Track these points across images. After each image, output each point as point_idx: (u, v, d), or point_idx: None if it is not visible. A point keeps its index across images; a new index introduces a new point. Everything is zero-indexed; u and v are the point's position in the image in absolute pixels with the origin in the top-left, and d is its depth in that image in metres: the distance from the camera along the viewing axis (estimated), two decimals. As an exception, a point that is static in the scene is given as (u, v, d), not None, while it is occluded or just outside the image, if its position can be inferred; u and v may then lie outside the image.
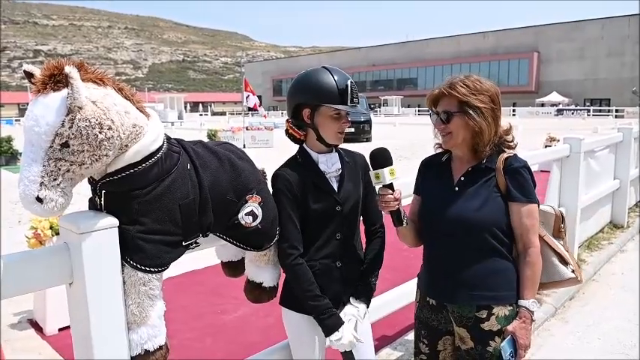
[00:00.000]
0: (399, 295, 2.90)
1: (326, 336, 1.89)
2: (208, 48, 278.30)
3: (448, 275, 1.94)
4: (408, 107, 65.18)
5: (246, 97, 22.50)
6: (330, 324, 1.88)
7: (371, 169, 1.86)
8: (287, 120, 1.99)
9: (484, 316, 1.88)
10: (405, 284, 2.95)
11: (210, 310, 4.08)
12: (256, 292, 2.02)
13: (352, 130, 20.73)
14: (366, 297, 2.02)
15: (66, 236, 1.48)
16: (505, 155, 1.90)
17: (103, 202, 1.49)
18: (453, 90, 1.85)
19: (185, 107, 55.24)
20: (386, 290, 2.85)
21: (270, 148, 19.66)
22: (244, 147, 20.65)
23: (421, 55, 73.93)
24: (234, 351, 3.38)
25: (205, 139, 1.87)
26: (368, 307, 2.04)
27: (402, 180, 2.22)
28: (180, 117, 45.38)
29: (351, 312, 1.95)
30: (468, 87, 1.84)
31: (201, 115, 65.89)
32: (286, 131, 2.00)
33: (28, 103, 1.40)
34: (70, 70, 1.26)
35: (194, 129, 31.83)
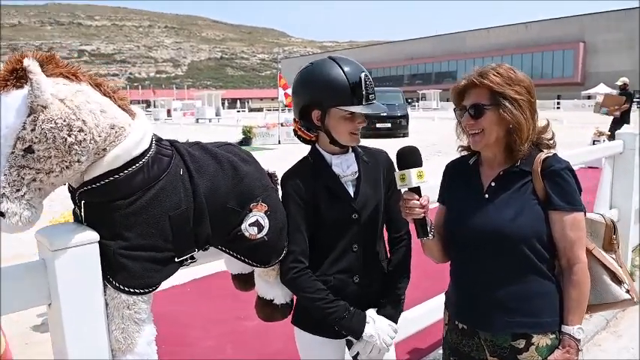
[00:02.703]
0: (425, 312, 2.62)
1: (357, 338, 1.67)
2: (246, 45, 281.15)
3: (479, 297, 1.68)
4: (447, 101, 63.19)
5: (285, 93, 22.35)
6: (355, 325, 1.66)
7: (396, 169, 1.62)
8: (294, 120, 1.76)
9: (522, 346, 1.61)
10: (433, 300, 2.67)
11: (231, 316, 3.90)
12: (267, 310, 1.82)
13: (388, 125, 20.39)
14: (393, 313, 1.77)
15: (42, 252, 1.31)
16: (543, 155, 1.62)
17: (83, 214, 1.31)
18: (484, 79, 1.58)
19: (223, 104, 55.76)
20: (413, 305, 2.59)
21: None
22: (279, 143, 20.55)
23: (460, 48, 72.21)
24: (254, 358, 3.20)
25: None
26: (397, 323, 1.78)
27: (431, 182, 1.96)
28: (217, 114, 45.72)
29: (373, 331, 1.69)
30: (501, 76, 1.58)
31: (238, 111, 66.47)
32: (295, 132, 1.78)
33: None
34: (29, 62, 1.08)
35: (230, 125, 32.01)
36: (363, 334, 1.66)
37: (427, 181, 1.63)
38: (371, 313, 1.72)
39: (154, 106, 64.75)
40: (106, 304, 1.32)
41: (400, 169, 1.61)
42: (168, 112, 55.93)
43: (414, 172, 1.58)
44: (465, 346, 1.77)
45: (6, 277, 1.29)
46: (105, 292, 1.31)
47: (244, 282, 1.93)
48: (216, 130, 29.33)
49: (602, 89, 54.43)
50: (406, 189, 1.62)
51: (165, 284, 4.78)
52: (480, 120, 1.60)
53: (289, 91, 21.14)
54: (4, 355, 2.01)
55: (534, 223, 1.59)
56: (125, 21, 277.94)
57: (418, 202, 1.60)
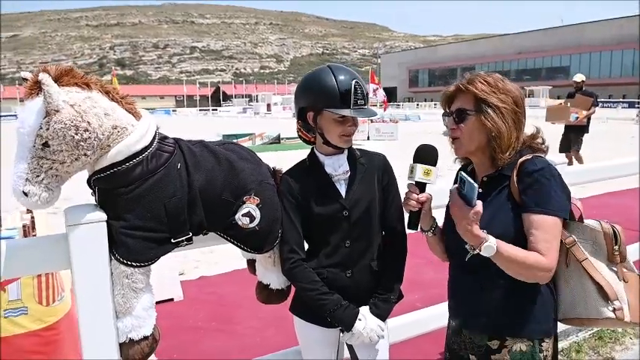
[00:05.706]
0: (429, 316, 2.65)
1: (347, 331, 1.80)
2: (347, 40, 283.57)
3: (462, 297, 1.76)
4: (558, 98, 58.83)
5: (374, 90, 22.40)
6: (346, 318, 1.79)
7: (412, 161, 1.74)
8: (297, 121, 1.94)
9: (495, 347, 1.66)
10: (437, 306, 2.69)
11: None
12: (265, 293, 2.01)
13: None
14: (383, 312, 1.87)
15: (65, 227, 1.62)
16: (523, 159, 1.63)
17: (96, 197, 1.60)
18: (471, 85, 1.65)
19: (320, 99, 56.67)
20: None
21: (394, 141, 19.42)
22: (368, 139, 20.59)
23: (576, 41, 67.00)
24: (293, 343, 3.41)
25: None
26: (385, 322, 1.89)
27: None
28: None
29: (362, 328, 1.81)
30: (488, 84, 1.63)
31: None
32: (298, 132, 1.94)
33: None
34: (42, 76, 1.36)
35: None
36: (353, 328, 1.79)
37: (433, 182, 1.72)
38: (363, 311, 1.83)
39: (256, 101, 67.65)
40: (112, 273, 1.60)
41: (414, 162, 1.73)
42: (268, 106, 58.18)
43: (420, 167, 1.69)
44: (454, 344, 1.84)
45: (35, 246, 1.65)
46: (110, 263, 1.59)
47: (255, 267, 2.13)
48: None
49: None
50: (412, 182, 1.73)
51: (226, 269, 5.15)
52: (462, 125, 1.66)
53: (373, 87, 21.26)
54: (70, 311, 2.40)
55: (506, 227, 1.61)
56: (233, 18, 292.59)
57: (416, 197, 1.70)
